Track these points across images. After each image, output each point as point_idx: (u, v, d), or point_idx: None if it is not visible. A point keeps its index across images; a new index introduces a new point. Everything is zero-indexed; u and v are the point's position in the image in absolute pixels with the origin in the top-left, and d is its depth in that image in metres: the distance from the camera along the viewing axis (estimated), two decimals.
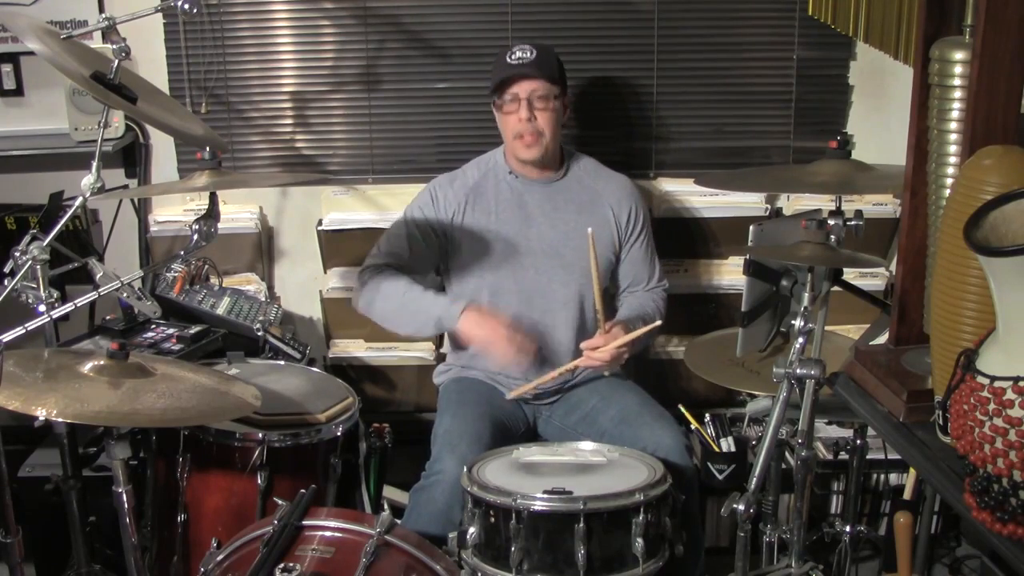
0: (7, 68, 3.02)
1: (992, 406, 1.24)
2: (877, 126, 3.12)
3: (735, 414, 3.12)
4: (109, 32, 2.75)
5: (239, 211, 3.12)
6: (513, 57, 2.48)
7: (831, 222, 2.07)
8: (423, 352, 3.08)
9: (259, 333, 2.76)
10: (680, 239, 3.11)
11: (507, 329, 2.39)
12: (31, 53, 2.38)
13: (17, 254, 2.09)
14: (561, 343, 2.60)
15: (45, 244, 2.09)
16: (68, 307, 2.04)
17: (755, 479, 1.83)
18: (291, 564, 1.74)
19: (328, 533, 1.88)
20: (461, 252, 2.57)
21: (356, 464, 2.42)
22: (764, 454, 1.85)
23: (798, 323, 1.94)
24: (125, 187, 3.14)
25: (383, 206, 3.12)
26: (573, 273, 2.56)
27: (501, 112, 2.52)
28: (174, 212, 3.12)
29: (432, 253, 2.59)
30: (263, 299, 3.02)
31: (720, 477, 2.80)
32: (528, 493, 1.94)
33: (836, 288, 2.23)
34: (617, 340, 2.40)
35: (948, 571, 2.85)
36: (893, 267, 2.86)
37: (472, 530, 1.98)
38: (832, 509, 2.92)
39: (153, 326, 2.69)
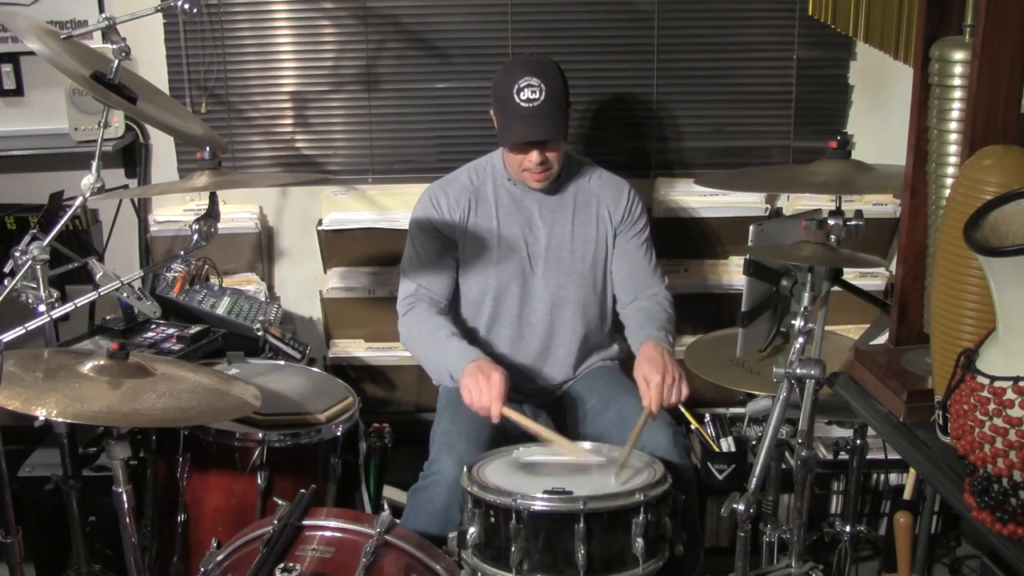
0: (7, 68, 3.02)
1: (992, 406, 1.24)
2: (877, 126, 3.13)
3: (735, 414, 3.12)
4: (109, 32, 2.75)
5: (239, 211, 3.12)
6: (521, 96, 2.36)
7: (831, 222, 2.07)
8: None
9: (259, 333, 2.76)
10: (680, 239, 3.11)
11: (485, 381, 2.25)
12: (31, 53, 2.37)
13: (17, 254, 2.08)
14: (560, 346, 2.60)
15: (45, 244, 2.09)
16: (68, 307, 2.03)
17: (755, 479, 1.83)
18: (291, 564, 1.74)
19: (328, 533, 1.88)
20: (464, 255, 2.56)
21: (356, 464, 2.42)
22: (764, 454, 1.85)
23: (798, 323, 1.93)
24: (125, 187, 3.14)
25: (383, 206, 3.12)
26: (572, 277, 2.56)
27: (507, 150, 2.48)
28: (174, 212, 3.12)
29: (451, 249, 2.57)
30: (263, 299, 3.02)
31: (720, 477, 2.80)
32: (528, 493, 1.94)
33: (836, 288, 2.23)
34: (655, 381, 2.26)
35: (948, 571, 2.85)
36: (893, 267, 2.86)
37: (472, 530, 1.98)
38: (832, 509, 2.92)
39: (153, 326, 2.69)
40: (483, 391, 2.22)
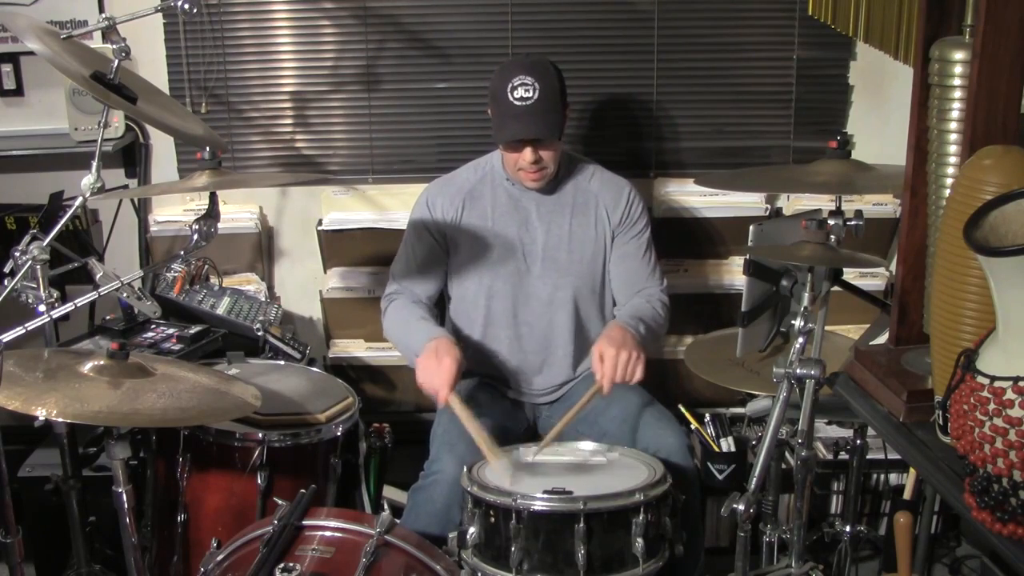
0: (7, 68, 3.02)
1: (992, 406, 1.24)
2: (877, 126, 3.13)
3: (735, 414, 3.12)
4: (109, 32, 2.75)
5: (239, 211, 3.12)
6: (515, 94, 2.36)
7: (831, 222, 2.07)
8: None
9: (259, 333, 2.76)
10: (680, 239, 3.11)
11: (436, 362, 2.28)
12: (31, 53, 2.38)
13: (17, 254, 2.08)
14: (558, 346, 2.59)
15: (45, 244, 2.09)
16: (68, 307, 2.03)
17: (755, 479, 1.83)
18: (291, 564, 1.74)
19: (328, 533, 1.88)
20: (459, 255, 2.56)
21: (356, 464, 2.42)
22: (764, 454, 1.85)
23: (798, 323, 1.93)
24: (125, 187, 3.14)
25: (383, 206, 3.12)
26: (568, 276, 2.56)
27: (502, 149, 2.49)
28: (174, 212, 3.12)
29: (440, 254, 2.58)
30: (263, 299, 3.02)
31: (720, 477, 2.80)
32: (528, 493, 1.94)
33: (836, 288, 2.23)
34: (609, 355, 2.24)
35: (948, 571, 2.85)
36: (893, 267, 2.86)
37: (472, 530, 1.98)
38: (832, 509, 2.92)
39: (153, 326, 2.69)
40: (433, 374, 2.25)
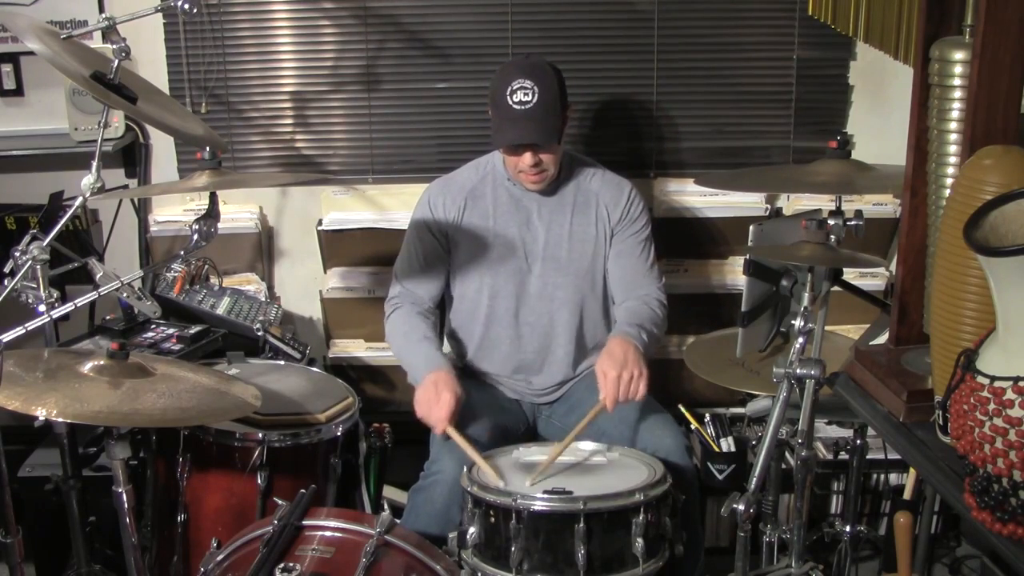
0: (7, 68, 3.02)
1: (992, 406, 1.24)
2: (877, 126, 3.13)
3: (735, 414, 3.12)
4: (109, 32, 2.75)
5: (239, 211, 3.13)
6: (514, 98, 2.35)
7: (831, 222, 2.07)
8: None
9: (259, 333, 2.76)
10: (680, 239, 3.11)
11: (436, 397, 2.28)
12: (31, 53, 2.38)
13: (17, 254, 2.08)
14: (560, 345, 2.59)
15: (45, 244, 2.09)
16: (68, 307, 2.03)
17: (755, 479, 1.83)
18: (291, 564, 1.74)
19: (328, 533, 1.88)
20: (460, 254, 2.57)
21: (356, 464, 2.42)
22: (764, 454, 1.85)
23: (798, 323, 1.94)
24: (125, 187, 3.14)
25: (383, 206, 3.12)
26: (569, 276, 2.56)
27: (502, 151, 2.49)
28: (174, 212, 3.12)
29: (442, 254, 2.58)
30: (263, 299, 3.02)
31: (720, 477, 2.80)
32: (528, 493, 1.94)
33: (836, 288, 2.23)
34: (612, 376, 2.23)
35: (948, 571, 2.85)
36: (893, 267, 2.86)
37: (472, 530, 1.98)
38: (832, 509, 2.92)
39: (153, 326, 2.69)
40: (432, 409, 2.26)
